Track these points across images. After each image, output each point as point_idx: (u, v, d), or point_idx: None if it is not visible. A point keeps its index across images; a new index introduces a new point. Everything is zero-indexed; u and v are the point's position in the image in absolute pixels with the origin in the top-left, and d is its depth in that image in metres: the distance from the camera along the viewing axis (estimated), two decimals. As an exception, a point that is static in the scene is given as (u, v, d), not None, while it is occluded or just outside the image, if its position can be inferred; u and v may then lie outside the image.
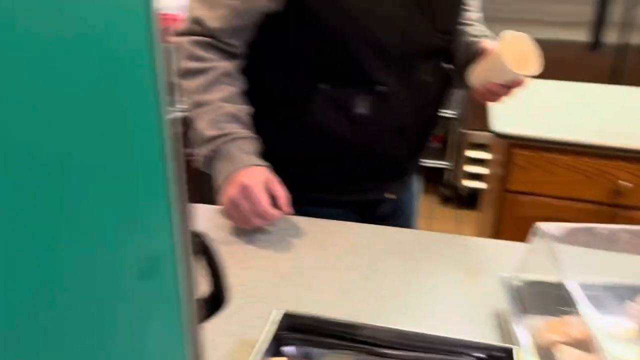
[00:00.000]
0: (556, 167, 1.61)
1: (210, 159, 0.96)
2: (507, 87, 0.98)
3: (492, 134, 1.64)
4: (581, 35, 2.54)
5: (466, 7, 1.17)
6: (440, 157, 3.25)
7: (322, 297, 0.83)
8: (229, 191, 0.93)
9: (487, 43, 1.00)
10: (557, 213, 1.62)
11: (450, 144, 3.16)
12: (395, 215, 1.18)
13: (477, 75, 1.01)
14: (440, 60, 1.10)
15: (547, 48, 2.54)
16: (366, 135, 1.03)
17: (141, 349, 0.29)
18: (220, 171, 0.95)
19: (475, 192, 2.95)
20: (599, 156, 1.57)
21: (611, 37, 2.52)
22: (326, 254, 0.94)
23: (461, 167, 3.00)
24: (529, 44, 0.95)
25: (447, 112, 2.96)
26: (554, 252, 0.74)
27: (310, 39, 0.97)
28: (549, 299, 0.76)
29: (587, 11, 2.51)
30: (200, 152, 0.96)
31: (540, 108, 1.79)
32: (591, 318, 0.65)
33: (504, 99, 1.02)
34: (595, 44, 2.54)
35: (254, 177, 0.93)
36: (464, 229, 2.94)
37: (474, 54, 1.03)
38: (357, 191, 1.12)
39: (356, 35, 0.97)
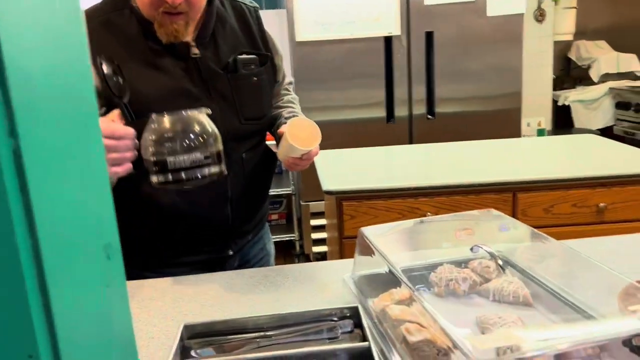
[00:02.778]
0: (377, 211, 1.99)
1: None
2: (303, 158, 1.22)
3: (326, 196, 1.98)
4: (378, 112, 3.21)
5: (281, 94, 1.45)
6: (287, 231, 3.71)
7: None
8: None
9: (283, 127, 1.23)
10: None
11: (293, 218, 3.62)
12: (248, 268, 1.40)
13: (280, 152, 1.27)
14: (258, 139, 1.35)
15: (354, 125, 3.26)
16: (196, 204, 1.25)
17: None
18: None
19: (325, 255, 3.30)
20: (407, 196, 1.98)
21: (401, 110, 3.23)
22: (206, 297, 1.12)
23: (309, 236, 3.38)
24: (310, 125, 1.22)
25: (284, 190, 3.49)
26: (376, 247, 1.01)
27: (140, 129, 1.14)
28: (379, 283, 1.01)
29: (380, 93, 3.19)
30: None
31: (357, 168, 2.22)
32: (407, 283, 0.92)
33: (305, 165, 1.25)
34: (389, 118, 3.24)
35: None
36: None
37: (280, 135, 1.27)
38: (200, 251, 1.33)
39: None
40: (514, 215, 2.03)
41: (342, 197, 1.99)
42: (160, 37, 1.19)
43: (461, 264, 1.06)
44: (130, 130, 1.04)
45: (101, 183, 0.51)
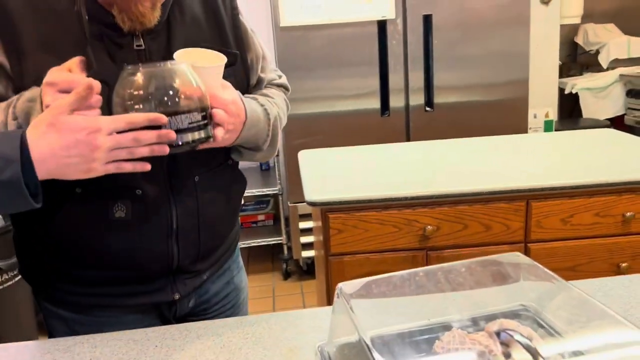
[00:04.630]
0: (368, 224, 1.72)
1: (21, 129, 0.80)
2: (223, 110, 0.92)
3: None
4: (372, 104, 2.91)
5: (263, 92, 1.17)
6: (275, 233, 3.40)
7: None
8: (44, 102, 0.78)
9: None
10: (377, 266, 1.74)
11: (281, 219, 3.32)
12: (208, 310, 1.17)
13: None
14: (220, 159, 1.07)
15: (345, 118, 2.63)
16: (129, 239, 0.99)
17: None
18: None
19: (314, 260, 3.05)
20: (404, 207, 1.71)
21: (396, 101, 2.94)
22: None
23: (297, 240, 3.09)
24: (201, 51, 0.96)
25: (271, 189, 3.22)
26: (352, 309, 0.74)
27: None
28: (364, 357, 0.79)
29: (373, 83, 2.90)
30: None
31: (346, 172, 1.92)
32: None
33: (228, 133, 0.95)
34: (384, 110, 2.95)
35: (46, 78, 0.81)
36: (311, 299, 3.01)
37: None
38: (132, 294, 1.05)
39: None
40: (527, 227, 1.75)
41: (328, 209, 1.71)
42: (121, 25, 0.93)
43: (476, 325, 0.78)
44: (95, 83, 0.79)
45: None
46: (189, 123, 0.83)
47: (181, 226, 1.02)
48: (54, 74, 0.81)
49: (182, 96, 0.83)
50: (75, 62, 0.83)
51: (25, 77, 0.89)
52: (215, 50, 0.99)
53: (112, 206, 0.96)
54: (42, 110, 0.81)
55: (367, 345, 0.65)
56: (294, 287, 3.17)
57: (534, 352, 0.62)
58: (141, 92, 0.82)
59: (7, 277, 2.36)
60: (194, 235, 1.05)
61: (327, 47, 2.85)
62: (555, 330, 0.76)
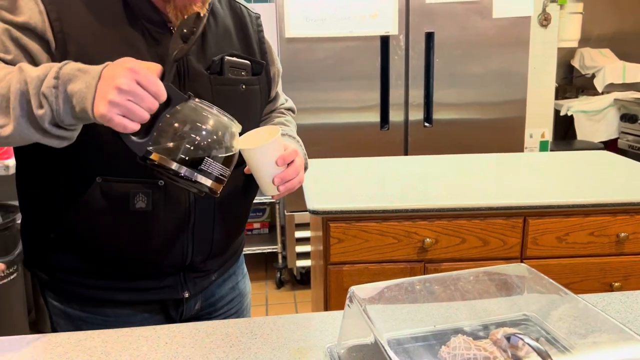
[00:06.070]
0: (368, 234, 1.75)
1: (56, 89, 0.81)
2: (279, 165, 0.99)
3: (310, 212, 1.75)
4: (372, 117, 2.96)
5: (272, 116, 1.23)
6: (269, 241, 3.43)
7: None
8: (115, 81, 0.78)
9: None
10: (376, 277, 1.77)
11: (277, 228, 3.34)
12: (213, 314, 1.20)
13: (259, 182, 1.03)
14: (239, 160, 1.07)
15: (345, 129, 2.70)
16: (147, 231, 1.00)
17: None
18: (80, 86, 0.80)
19: (308, 269, 3.07)
20: (404, 219, 1.74)
21: (396, 116, 2.99)
22: None
23: (293, 249, 3.12)
24: (268, 129, 1.02)
25: (268, 198, 3.24)
26: (367, 313, 0.77)
27: (82, 136, 0.89)
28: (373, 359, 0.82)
29: (374, 96, 2.96)
30: (37, 97, 0.81)
31: (347, 183, 1.95)
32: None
33: (294, 182, 1.01)
34: (384, 123, 3.01)
35: (127, 62, 0.81)
36: (304, 309, 3.02)
37: None
38: (142, 290, 1.07)
39: None
40: (523, 244, 1.78)
41: (329, 218, 1.73)
42: (173, 19, 0.99)
43: (481, 332, 0.81)
44: (164, 93, 0.82)
45: None
46: (216, 170, 0.87)
47: (198, 221, 1.05)
48: (136, 63, 0.81)
49: (224, 149, 0.88)
50: (155, 67, 0.84)
51: (67, 58, 0.88)
52: (244, 59, 1.08)
53: (133, 196, 0.98)
54: (96, 88, 0.79)
55: (384, 348, 0.67)
56: (287, 296, 3.18)
57: (544, 355, 0.64)
58: (197, 124, 0.86)
59: (1, 275, 2.36)
60: (209, 231, 1.08)
61: (330, 60, 2.89)
62: (559, 340, 0.79)
